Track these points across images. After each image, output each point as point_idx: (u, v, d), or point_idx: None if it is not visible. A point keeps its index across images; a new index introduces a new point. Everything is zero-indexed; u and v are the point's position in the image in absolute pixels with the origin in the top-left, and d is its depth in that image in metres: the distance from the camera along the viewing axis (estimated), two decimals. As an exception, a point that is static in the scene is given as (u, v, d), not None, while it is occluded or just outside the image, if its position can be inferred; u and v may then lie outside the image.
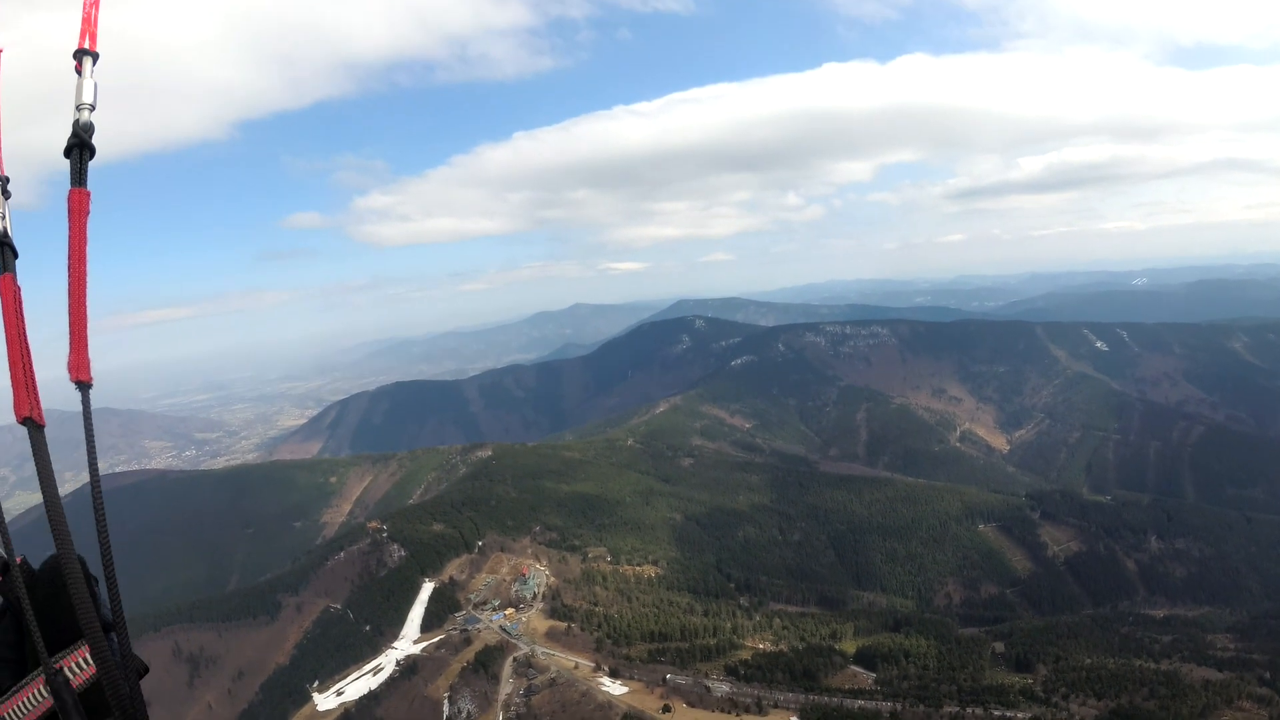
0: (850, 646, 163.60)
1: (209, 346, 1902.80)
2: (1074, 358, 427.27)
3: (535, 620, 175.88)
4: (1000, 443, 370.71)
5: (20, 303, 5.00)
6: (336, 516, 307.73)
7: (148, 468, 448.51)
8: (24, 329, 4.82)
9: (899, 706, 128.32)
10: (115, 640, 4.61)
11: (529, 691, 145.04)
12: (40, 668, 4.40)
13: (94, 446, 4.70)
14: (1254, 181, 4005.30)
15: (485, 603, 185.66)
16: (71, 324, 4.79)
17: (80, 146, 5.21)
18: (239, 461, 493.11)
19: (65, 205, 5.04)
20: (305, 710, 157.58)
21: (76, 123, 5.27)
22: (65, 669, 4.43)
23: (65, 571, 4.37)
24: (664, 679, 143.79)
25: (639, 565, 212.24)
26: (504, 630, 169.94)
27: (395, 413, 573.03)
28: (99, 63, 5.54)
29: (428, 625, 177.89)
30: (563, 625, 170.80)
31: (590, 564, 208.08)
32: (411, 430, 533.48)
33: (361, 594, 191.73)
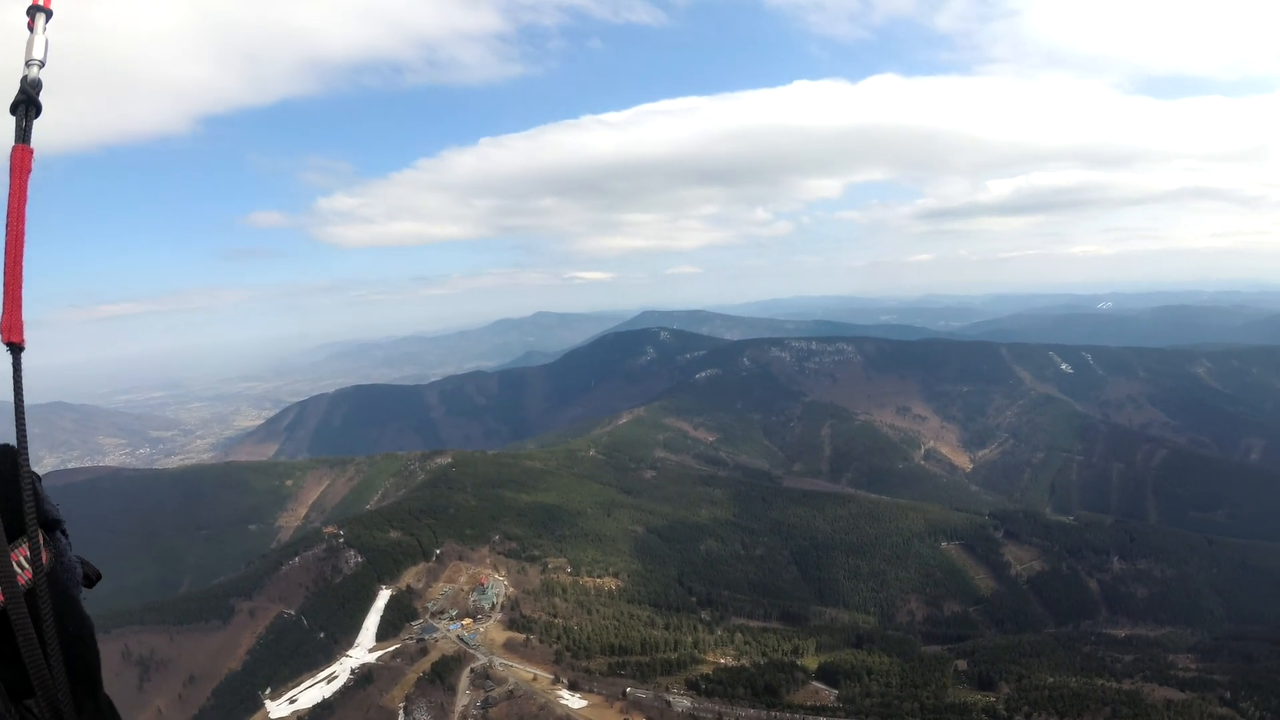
0: (812, 662, 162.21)
1: (166, 343, 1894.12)
2: (1039, 379, 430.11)
3: (493, 631, 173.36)
4: (964, 462, 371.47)
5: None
6: (292, 520, 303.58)
7: (101, 465, 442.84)
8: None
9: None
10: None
11: (486, 703, 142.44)
12: None
13: (23, 416, 4.51)
14: (1221, 210, 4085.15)
15: (443, 612, 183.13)
16: (6, 283, 4.65)
17: (27, 103, 5.14)
18: (194, 461, 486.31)
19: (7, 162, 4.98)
20: (257, 717, 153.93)
21: (25, 79, 5.21)
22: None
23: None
24: (624, 693, 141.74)
25: (599, 577, 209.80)
26: (461, 640, 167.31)
27: (354, 416, 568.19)
28: (51, 20, 5.47)
29: (383, 634, 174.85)
30: (521, 636, 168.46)
31: (550, 575, 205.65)
32: (371, 435, 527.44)
33: (316, 600, 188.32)
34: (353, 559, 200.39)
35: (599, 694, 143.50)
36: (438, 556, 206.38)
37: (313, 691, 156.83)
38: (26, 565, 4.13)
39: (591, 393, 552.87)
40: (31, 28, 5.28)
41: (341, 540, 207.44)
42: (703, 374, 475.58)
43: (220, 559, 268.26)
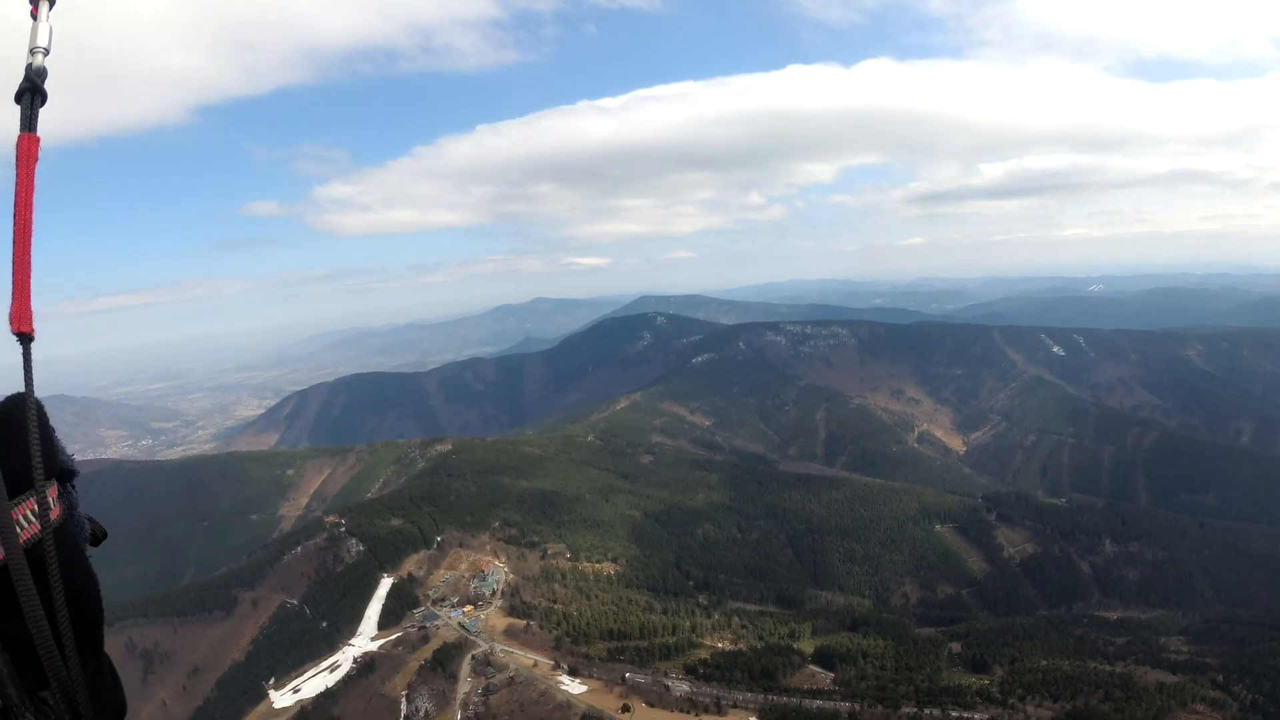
0: (808, 646, 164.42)
1: (165, 335, 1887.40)
2: (1031, 362, 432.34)
3: (494, 617, 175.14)
4: (957, 444, 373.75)
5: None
6: (293, 510, 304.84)
7: (103, 457, 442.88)
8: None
9: (857, 707, 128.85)
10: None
11: (487, 690, 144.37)
12: None
13: (35, 405, 4.38)
14: (1210, 194, 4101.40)
15: (444, 599, 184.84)
16: (15, 272, 4.52)
17: (32, 91, 4.99)
18: (195, 452, 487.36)
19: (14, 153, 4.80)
20: (261, 708, 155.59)
21: (30, 66, 5.09)
22: (16, 519, 4.06)
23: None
24: (623, 678, 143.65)
25: (598, 562, 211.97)
26: (462, 627, 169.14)
27: (354, 405, 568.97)
28: (54, 8, 5.31)
29: (385, 622, 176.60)
30: (521, 623, 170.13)
31: (549, 561, 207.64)
32: (370, 423, 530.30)
33: (318, 589, 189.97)
34: (354, 547, 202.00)
35: (598, 679, 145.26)
36: (438, 544, 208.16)
37: (316, 681, 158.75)
38: (34, 519, 4.09)
39: (589, 378, 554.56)
40: (35, 15, 5.30)
41: (343, 529, 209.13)
42: (699, 359, 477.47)
43: (222, 549, 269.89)
